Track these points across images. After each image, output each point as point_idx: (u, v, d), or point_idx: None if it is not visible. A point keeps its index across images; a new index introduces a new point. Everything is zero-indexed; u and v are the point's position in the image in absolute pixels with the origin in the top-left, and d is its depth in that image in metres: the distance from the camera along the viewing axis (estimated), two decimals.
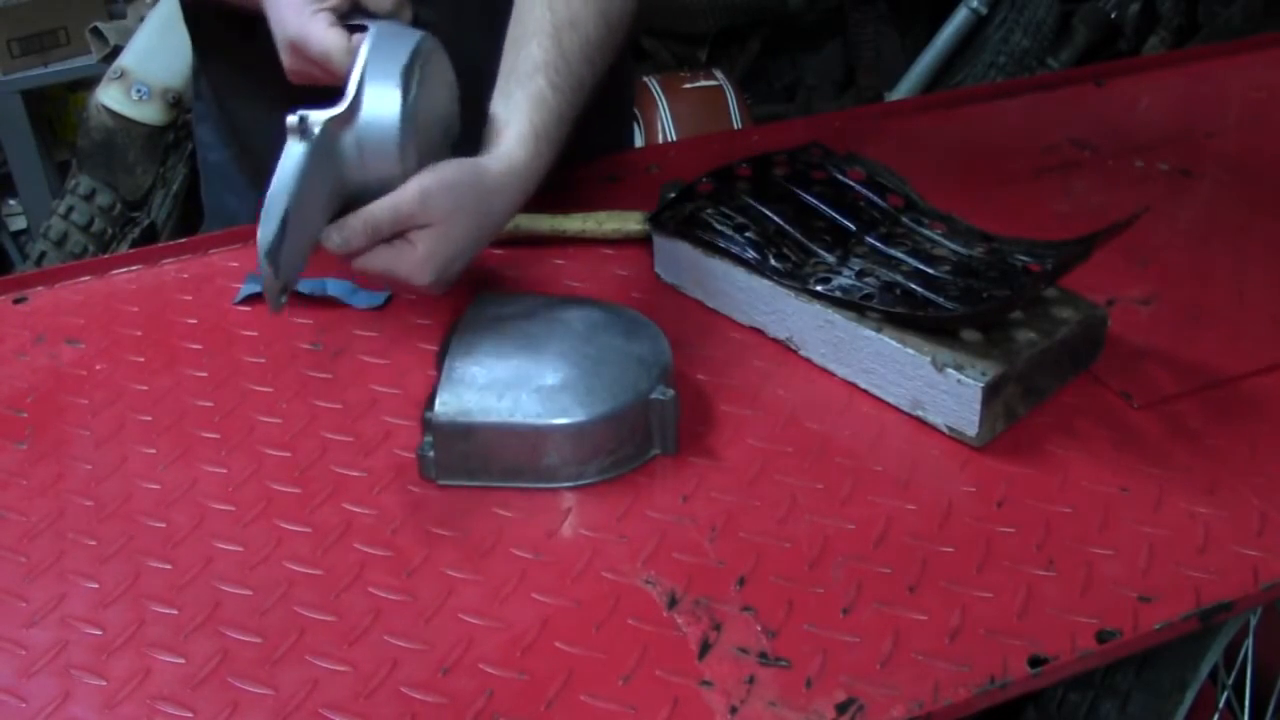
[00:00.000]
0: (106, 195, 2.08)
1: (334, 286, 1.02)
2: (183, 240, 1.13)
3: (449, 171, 0.83)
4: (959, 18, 2.67)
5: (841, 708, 0.66)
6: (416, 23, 1.05)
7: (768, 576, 0.75)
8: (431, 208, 0.81)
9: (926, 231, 0.97)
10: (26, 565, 0.78)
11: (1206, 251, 1.09)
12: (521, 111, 0.89)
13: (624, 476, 0.83)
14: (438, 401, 0.81)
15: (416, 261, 0.82)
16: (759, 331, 0.97)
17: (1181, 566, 0.75)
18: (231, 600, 0.75)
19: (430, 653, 0.71)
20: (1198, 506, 0.79)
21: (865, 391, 0.90)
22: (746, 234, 0.96)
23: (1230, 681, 0.95)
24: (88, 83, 2.18)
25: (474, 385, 0.82)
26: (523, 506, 0.81)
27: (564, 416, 0.81)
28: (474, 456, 0.82)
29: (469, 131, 0.91)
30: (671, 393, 0.83)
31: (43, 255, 2.15)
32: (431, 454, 0.82)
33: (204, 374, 0.95)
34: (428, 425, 0.82)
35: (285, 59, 0.87)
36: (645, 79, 2.36)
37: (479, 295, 0.92)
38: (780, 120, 1.92)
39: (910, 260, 0.94)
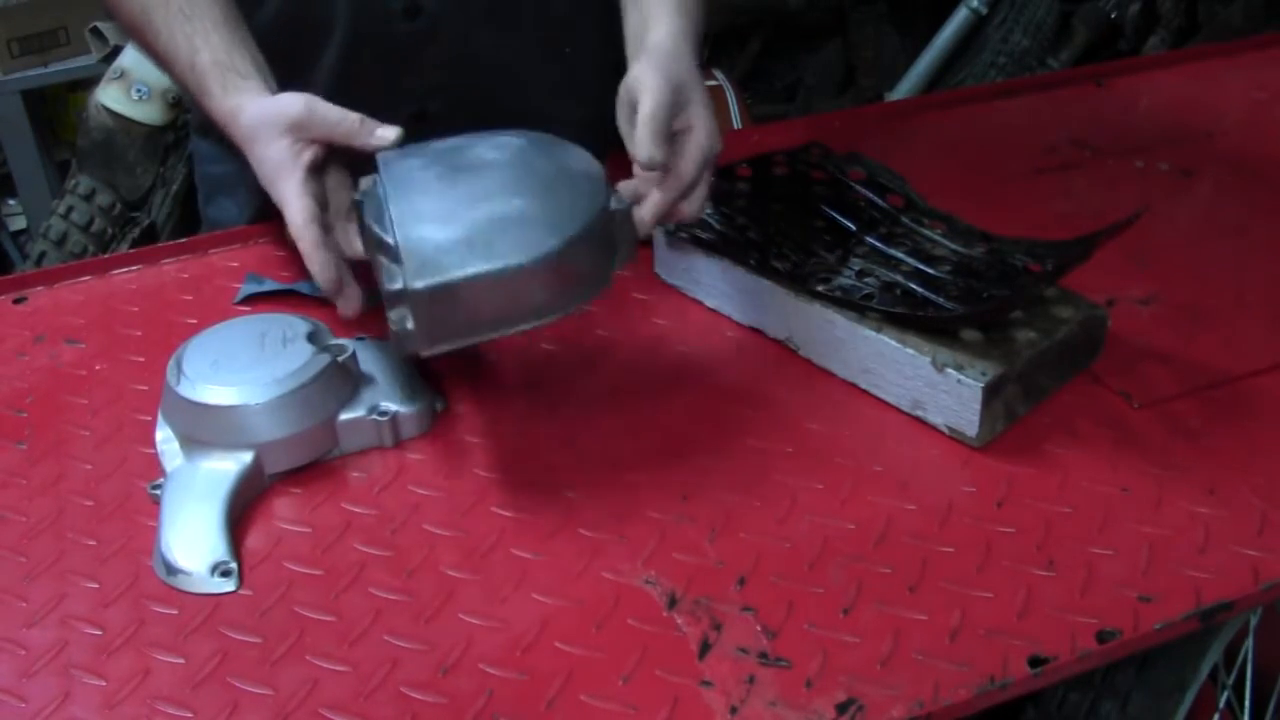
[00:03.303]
0: (106, 195, 2.07)
1: None
2: (183, 240, 1.13)
3: (639, 67, 0.88)
4: (959, 18, 2.67)
5: (841, 708, 0.66)
6: (418, 12, 1.05)
7: (768, 576, 0.75)
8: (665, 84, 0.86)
9: (926, 231, 0.97)
10: (26, 565, 0.78)
11: (1206, 251, 1.09)
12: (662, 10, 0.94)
13: (623, 476, 0.83)
14: (410, 271, 0.75)
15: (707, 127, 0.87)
16: (759, 331, 0.97)
17: (1181, 566, 0.75)
18: (231, 600, 0.75)
19: (430, 653, 0.71)
20: (1198, 506, 0.79)
21: (865, 391, 0.90)
22: (747, 234, 0.96)
23: (1230, 681, 0.95)
24: (88, 83, 2.17)
25: (439, 246, 0.77)
26: (523, 506, 0.81)
27: (539, 249, 0.77)
28: (459, 315, 0.77)
29: (475, 127, 0.91)
30: (628, 200, 0.83)
31: (43, 255, 2.14)
32: (410, 326, 0.76)
33: None
34: (399, 299, 0.76)
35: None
36: None
37: (380, 157, 0.85)
38: (780, 120, 1.92)
39: (910, 260, 0.94)
